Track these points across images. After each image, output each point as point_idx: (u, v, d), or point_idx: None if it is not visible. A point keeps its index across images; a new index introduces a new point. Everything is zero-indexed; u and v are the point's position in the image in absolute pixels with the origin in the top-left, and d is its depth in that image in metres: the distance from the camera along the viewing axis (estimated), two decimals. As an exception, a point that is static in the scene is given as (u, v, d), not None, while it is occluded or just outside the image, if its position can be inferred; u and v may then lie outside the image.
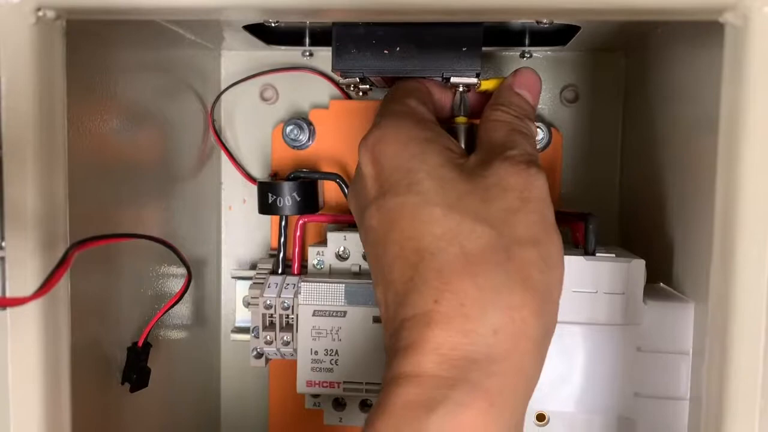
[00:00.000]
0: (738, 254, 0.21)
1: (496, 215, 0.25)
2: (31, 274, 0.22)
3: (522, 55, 0.41)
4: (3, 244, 0.22)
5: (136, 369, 0.32)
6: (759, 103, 0.20)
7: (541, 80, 0.32)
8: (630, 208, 0.41)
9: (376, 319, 0.35)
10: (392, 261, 0.25)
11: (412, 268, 0.24)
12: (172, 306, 0.33)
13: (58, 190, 0.23)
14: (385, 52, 0.32)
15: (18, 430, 0.22)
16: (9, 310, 0.21)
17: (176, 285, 0.38)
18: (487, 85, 0.36)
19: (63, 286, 0.23)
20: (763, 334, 0.21)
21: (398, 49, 0.32)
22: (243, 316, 0.44)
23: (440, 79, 0.33)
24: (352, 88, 0.36)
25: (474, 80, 0.33)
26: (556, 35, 0.39)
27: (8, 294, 0.21)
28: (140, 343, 0.32)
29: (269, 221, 0.44)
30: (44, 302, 0.22)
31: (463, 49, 0.32)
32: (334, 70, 0.33)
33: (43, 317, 0.22)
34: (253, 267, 0.43)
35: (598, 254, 0.31)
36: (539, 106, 0.43)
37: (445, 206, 0.25)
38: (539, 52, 0.42)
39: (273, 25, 0.38)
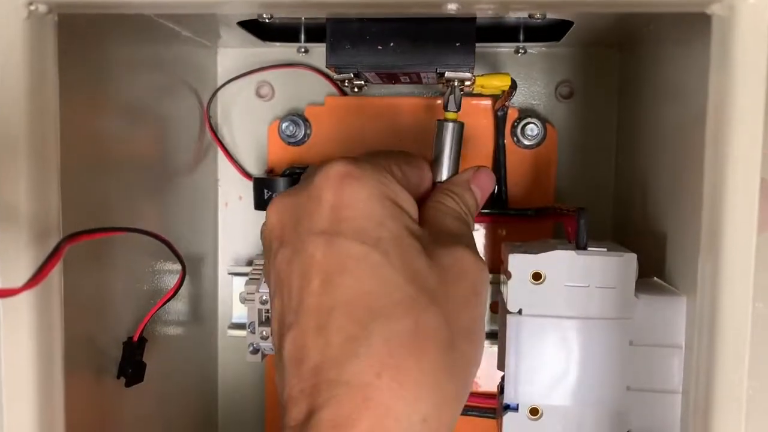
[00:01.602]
0: (724, 247, 0.21)
1: (451, 301, 0.24)
2: (23, 268, 0.22)
3: (517, 51, 0.41)
4: (-5, 236, 0.22)
5: (132, 363, 0.33)
6: (745, 91, 0.20)
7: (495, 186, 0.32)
8: (624, 202, 0.41)
9: (371, 314, 0.35)
10: (335, 306, 0.23)
11: (360, 326, 0.22)
12: (168, 301, 0.34)
13: (50, 184, 0.24)
14: (379, 47, 0.32)
15: (11, 422, 0.22)
16: (1, 302, 0.22)
17: (172, 281, 0.38)
18: (483, 81, 0.36)
19: (56, 278, 0.23)
20: (749, 325, 0.21)
21: (392, 44, 0.32)
22: (239, 313, 0.44)
23: (434, 74, 0.33)
24: (346, 84, 0.36)
25: (468, 75, 0.33)
26: (551, 31, 0.39)
27: (0, 286, 0.22)
28: (135, 338, 0.33)
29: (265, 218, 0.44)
30: (37, 294, 0.22)
31: (457, 44, 0.32)
32: (328, 65, 0.33)
33: (36, 309, 0.22)
34: (250, 263, 0.43)
35: (590, 248, 0.31)
36: (534, 102, 0.43)
37: (407, 275, 0.24)
38: (534, 48, 0.42)
39: (267, 20, 0.38)
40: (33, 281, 0.20)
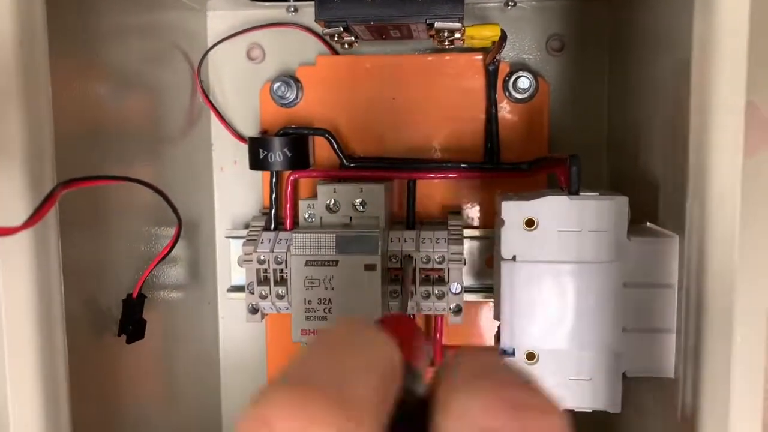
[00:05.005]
0: (711, 186, 0.21)
1: None
2: (18, 214, 0.22)
3: (506, 4, 0.41)
4: (-9, 184, 0.22)
5: (132, 321, 0.33)
6: (727, 35, 0.20)
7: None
8: (618, 152, 0.41)
9: (368, 267, 0.36)
10: None
11: None
12: (166, 255, 0.34)
13: (44, 135, 0.24)
14: (368, -1, 0.32)
15: (12, 360, 0.23)
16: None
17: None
18: (472, 32, 0.36)
19: (53, 224, 0.24)
20: (737, 262, 0.21)
21: (381, -5, 0.32)
22: (238, 276, 0.44)
23: (424, 25, 0.33)
24: (336, 39, 0.36)
25: (458, 25, 0.33)
26: (540, -18, 0.39)
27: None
28: (135, 295, 0.33)
29: (260, 182, 0.44)
30: (34, 237, 0.22)
31: (446, -6, 0.32)
32: (317, 20, 0.33)
33: (34, 250, 0.22)
34: (247, 227, 0.43)
35: (581, 194, 0.32)
36: (525, 56, 0.43)
37: None
38: (523, 1, 0.42)
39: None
40: (30, 221, 0.20)
